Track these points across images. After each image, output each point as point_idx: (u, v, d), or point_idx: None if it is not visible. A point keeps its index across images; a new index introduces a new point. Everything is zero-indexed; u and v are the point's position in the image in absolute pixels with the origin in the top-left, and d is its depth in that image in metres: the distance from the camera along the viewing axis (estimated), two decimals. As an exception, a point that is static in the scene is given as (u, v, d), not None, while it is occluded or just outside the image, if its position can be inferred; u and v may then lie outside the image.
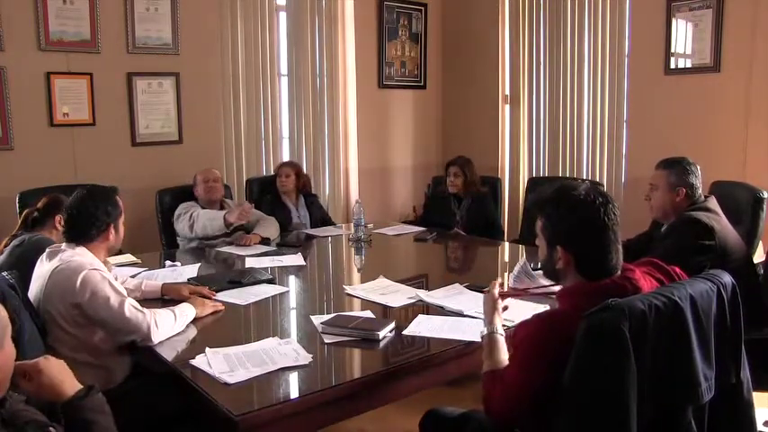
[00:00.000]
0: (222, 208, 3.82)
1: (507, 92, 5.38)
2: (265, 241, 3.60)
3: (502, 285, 2.01)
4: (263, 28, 4.66)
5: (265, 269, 2.94)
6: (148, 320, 2.03)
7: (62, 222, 2.33)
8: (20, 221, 2.75)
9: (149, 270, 2.96)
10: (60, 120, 3.94)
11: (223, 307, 2.39)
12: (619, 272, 1.57)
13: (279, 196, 4.19)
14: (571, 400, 1.38)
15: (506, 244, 3.95)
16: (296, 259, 3.23)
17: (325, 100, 5.08)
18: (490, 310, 1.87)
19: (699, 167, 2.74)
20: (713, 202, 2.69)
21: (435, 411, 1.99)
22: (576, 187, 1.60)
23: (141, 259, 3.20)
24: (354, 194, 5.27)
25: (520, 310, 2.22)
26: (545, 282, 2.43)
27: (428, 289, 2.58)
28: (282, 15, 4.87)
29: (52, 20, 3.83)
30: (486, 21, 5.37)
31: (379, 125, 5.45)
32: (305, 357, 1.87)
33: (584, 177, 4.79)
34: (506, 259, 3.58)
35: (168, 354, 1.99)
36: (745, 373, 1.58)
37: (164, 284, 2.56)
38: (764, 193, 2.98)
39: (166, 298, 2.48)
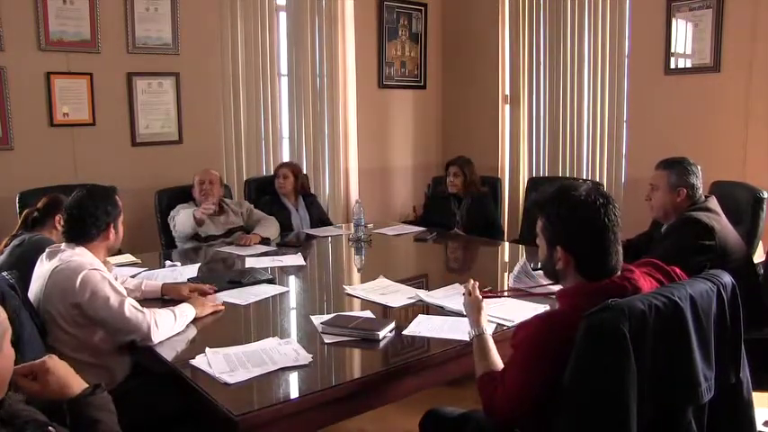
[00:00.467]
0: (221, 208, 3.82)
1: (507, 92, 5.38)
2: (265, 241, 3.60)
3: (485, 287, 2.02)
4: (263, 28, 4.66)
5: (265, 269, 2.94)
6: (148, 320, 2.03)
7: (62, 222, 2.33)
8: (20, 221, 2.75)
9: (149, 270, 2.96)
10: (60, 120, 3.94)
11: (223, 307, 2.39)
12: (619, 272, 1.57)
13: (278, 197, 4.19)
14: (571, 400, 1.38)
15: (506, 244, 3.95)
16: (296, 259, 3.23)
17: (325, 100, 5.08)
18: (475, 311, 1.88)
19: (699, 167, 2.74)
20: (714, 203, 2.69)
21: (435, 411, 1.99)
22: (576, 187, 1.60)
23: (141, 259, 3.20)
24: (354, 194, 5.27)
25: (520, 311, 2.23)
26: (545, 282, 2.44)
27: (428, 289, 2.58)
28: (282, 15, 4.87)
29: (52, 20, 3.83)
30: (486, 21, 5.37)
31: (379, 125, 5.45)
32: (305, 357, 1.87)
33: (585, 177, 4.80)
34: (506, 259, 3.58)
35: (168, 354, 1.99)
36: (745, 373, 1.58)
37: (164, 284, 2.56)
38: (764, 193, 2.98)
39: (166, 298, 2.48)
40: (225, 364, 1.80)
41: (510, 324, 2.12)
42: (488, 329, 1.85)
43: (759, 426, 1.68)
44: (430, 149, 5.79)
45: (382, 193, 5.53)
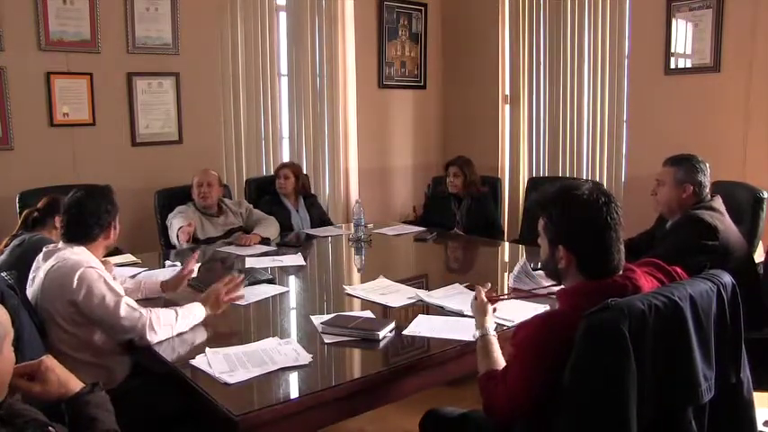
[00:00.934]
0: (220, 209, 3.82)
1: (507, 92, 5.38)
2: (265, 241, 3.60)
3: (493, 289, 2.03)
4: (263, 28, 4.67)
5: (265, 269, 2.94)
6: (144, 321, 2.02)
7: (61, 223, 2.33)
8: (20, 221, 2.76)
9: (149, 270, 2.96)
10: (60, 120, 3.94)
11: (243, 295, 2.35)
12: (621, 272, 1.57)
13: (278, 197, 4.19)
14: (571, 400, 1.38)
15: (506, 244, 3.95)
16: (296, 259, 3.23)
17: (325, 100, 5.08)
18: (481, 313, 1.90)
19: (708, 165, 2.72)
20: (719, 202, 2.68)
21: (435, 411, 1.99)
22: (578, 186, 1.60)
23: (141, 259, 3.20)
24: (354, 194, 5.27)
25: (520, 311, 2.23)
26: (545, 282, 2.44)
27: (428, 289, 2.58)
28: (282, 15, 4.87)
29: (52, 20, 3.83)
30: (486, 21, 5.37)
31: (379, 125, 5.45)
32: (305, 357, 1.87)
33: (585, 177, 4.80)
34: (506, 259, 3.58)
35: (168, 354, 1.98)
36: (746, 373, 1.58)
37: (162, 282, 2.54)
38: (764, 193, 2.98)
39: (167, 296, 2.48)
40: (225, 364, 1.80)
41: (510, 324, 2.12)
42: (492, 330, 1.85)
43: (759, 426, 1.67)
44: (430, 149, 5.79)
45: (382, 193, 5.53)
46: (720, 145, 4.00)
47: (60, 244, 2.19)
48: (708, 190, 2.71)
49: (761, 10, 3.82)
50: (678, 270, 1.65)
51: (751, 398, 1.59)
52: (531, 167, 5.25)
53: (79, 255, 2.13)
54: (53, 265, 2.09)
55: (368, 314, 2.28)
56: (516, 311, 2.23)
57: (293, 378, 1.79)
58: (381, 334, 2.02)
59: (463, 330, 2.08)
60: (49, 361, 1.35)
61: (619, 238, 1.56)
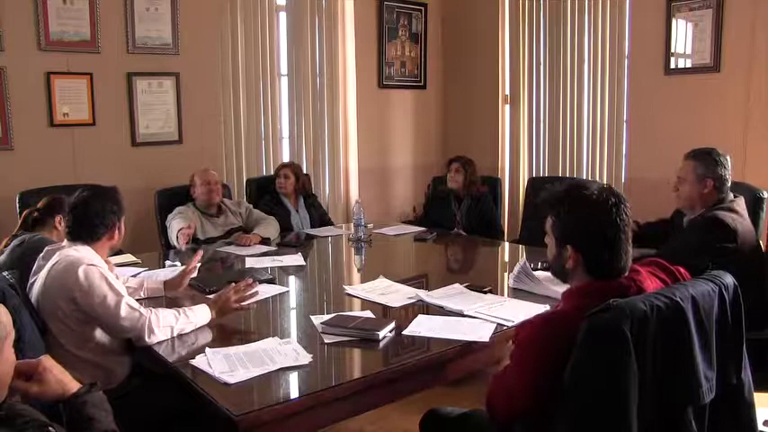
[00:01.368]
0: (220, 209, 3.82)
1: (507, 92, 5.38)
2: (265, 241, 3.60)
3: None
4: (263, 28, 4.66)
5: (265, 269, 2.94)
6: (143, 321, 2.01)
7: (62, 222, 2.33)
8: (20, 221, 2.75)
9: (149, 270, 2.96)
10: (60, 120, 3.93)
11: (254, 305, 2.31)
12: (627, 273, 1.56)
13: (278, 197, 4.18)
14: (572, 400, 1.38)
15: (506, 244, 3.95)
16: (296, 259, 3.22)
17: (325, 100, 5.08)
18: None
19: (729, 158, 2.68)
20: (741, 204, 2.65)
21: (435, 411, 1.98)
22: (587, 186, 1.60)
23: (141, 259, 3.20)
24: (354, 194, 5.27)
25: (521, 310, 2.23)
26: (545, 282, 2.44)
27: (428, 289, 2.58)
28: (282, 15, 4.87)
29: (52, 20, 3.83)
30: (486, 21, 5.37)
31: (379, 125, 5.45)
32: (305, 357, 1.86)
33: (584, 177, 4.79)
34: (506, 259, 3.58)
35: (168, 354, 1.98)
36: (747, 374, 1.58)
37: (165, 281, 2.55)
38: (764, 193, 2.98)
39: (169, 296, 2.48)
40: (225, 365, 1.80)
41: (510, 324, 2.12)
42: (492, 329, 1.82)
43: (760, 426, 1.67)
44: (430, 149, 5.79)
45: (382, 193, 5.52)
46: (720, 145, 3.96)
47: (64, 242, 2.19)
48: (729, 184, 2.66)
49: (761, 10, 3.82)
50: (681, 270, 1.64)
51: (752, 398, 1.59)
52: (531, 167, 5.25)
53: (82, 253, 2.12)
54: (56, 262, 2.08)
55: (368, 314, 2.28)
56: (517, 311, 2.23)
57: (293, 378, 1.79)
58: (381, 334, 2.02)
59: (463, 330, 2.08)
60: (47, 361, 1.35)
61: (628, 238, 1.56)
